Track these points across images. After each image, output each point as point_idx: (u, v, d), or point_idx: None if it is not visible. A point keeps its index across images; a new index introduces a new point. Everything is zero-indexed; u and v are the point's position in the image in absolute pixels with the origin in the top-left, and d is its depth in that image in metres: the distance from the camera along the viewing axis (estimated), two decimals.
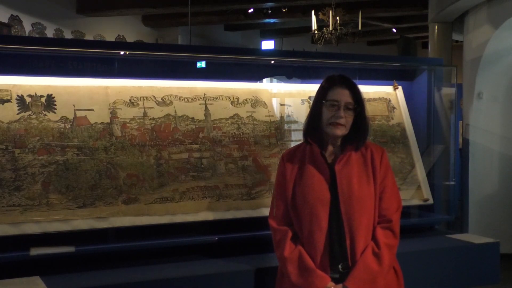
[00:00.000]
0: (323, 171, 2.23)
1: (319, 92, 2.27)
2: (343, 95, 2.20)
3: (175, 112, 2.80)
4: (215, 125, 2.87)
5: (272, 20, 10.91)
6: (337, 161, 2.23)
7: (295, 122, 3.07)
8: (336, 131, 2.20)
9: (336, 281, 2.15)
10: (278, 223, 2.30)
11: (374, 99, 3.36)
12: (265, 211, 2.44)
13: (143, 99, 2.76)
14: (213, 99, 2.91)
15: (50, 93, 2.57)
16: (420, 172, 3.33)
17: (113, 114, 2.66)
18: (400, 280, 2.29)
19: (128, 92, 2.74)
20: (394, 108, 3.40)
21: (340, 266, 2.17)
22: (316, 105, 2.27)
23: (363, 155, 2.26)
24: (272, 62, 3.19)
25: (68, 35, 9.19)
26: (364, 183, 2.22)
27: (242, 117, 2.94)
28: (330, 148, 2.27)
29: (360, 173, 2.23)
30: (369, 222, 2.20)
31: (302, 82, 3.26)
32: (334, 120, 2.18)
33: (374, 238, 2.20)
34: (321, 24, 8.73)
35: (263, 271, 2.49)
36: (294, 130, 3.06)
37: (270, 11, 10.06)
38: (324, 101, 2.22)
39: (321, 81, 2.32)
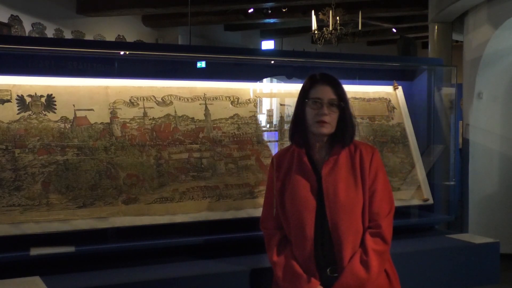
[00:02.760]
0: (309, 177, 2.18)
1: (301, 92, 2.23)
2: (326, 92, 2.15)
3: (175, 112, 2.80)
4: (215, 125, 2.87)
5: (272, 20, 10.92)
6: (324, 165, 2.17)
7: None
8: (322, 129, 2.14)
9: (323, 285, 2.12)
10: (267, 227, 2.30)
11: (374, 99, 3.36)
12: None
13: (143, 99, 2.76)
14: (213, 99, 2.91)
15: (50, 93, 2.57)
16: (420, 172, 3.32)
17: (113, 114, 2.66)
18: (393, 283, 2.23)
19: (128, 92, 2.74)
20: (394, 108, 3.40)
21: (328, 271, 2.14)
22: (299, 106, 2.22)
23: (352, 157, 2.19)
24: (272, 62, 3.19)
25: (68, 35, 9.19)
26: (352, 188, 2.15)
27: (242, 117, 2.94)
28: (317, 149, 2.21)
29: (348, 177, 2.16)
30: (357, 228, 2.14)
31: (302, 82, 3.25)
32: (319, 118, 2.13)
33: (362, 245, 2.14)
34: (321, 24, 8.73)
35: (263, 271, 2.49)
36: None
37: (270, 11, 10.07)
38: (306, 100, 2.18)
39: None
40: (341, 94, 2.17)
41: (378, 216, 2.17)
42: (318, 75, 2.22)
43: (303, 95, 2.21)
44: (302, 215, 2.15)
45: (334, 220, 2.12)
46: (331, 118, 2.15)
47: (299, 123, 2.21)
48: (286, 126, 3.06)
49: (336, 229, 2.12)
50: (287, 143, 2.99)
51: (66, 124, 2.55)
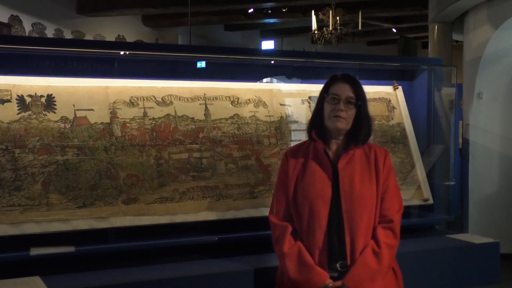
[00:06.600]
0: (325, 168, 2.24)
1: (322, 89, 2.32)
2: (344, 90, 2.23)
3: (175, 112, 2.80)
4: (215, 125, 2.87)
5: (272, 20, 10.92)
6: (340, 159, 2.24)
7: (295, 122, 3.07)
8: (337, 124, 2.21)
9: (334, 279, 2.16)
10: (278, 219, 2.30)
11: (374, 99, 3.36)
12: (265, 211, 2.44)
13: (143, 99, 2.76)
14: (213, 99, 2.91)
15: (50, 93, 2.57)
16: (420, 172, 3.33)
17: (113, 114, 2.66)
18: (399, 281, 2.29)
19: (128, 92, 2.74)
20: (394, 108, 3.40)
21: (338, 265, 2.18)
22: (318, 101, 2.31)
23: (367, 155, 2.28)
24: (272, 62, 3.19)
25: (68, 35, 9.19)
26: (366, 182, 2.23)
27: (242, 117, 2.94)
28: (333, 145, 2.29)
29: (363, 172, 2.24)
30: (369, 221, 2.21)
31: (302, 82, 3.26)
32: (335, 113, 2.21)
33: (374, 237, 2.20)
34: (321, 24, 8.73)
35: (263, 271, 2.49)
36: (294, 130, 3.05)
37: (270, 11, 10.07)
38: (325, 95, 2.27)
39: (321, 81, 2.35)
40: (359, 93, 2.25)
41: (389, 212, 2.25)
42: (340, 75, 2.31)
43: (323, 92, 2.30)
44: (317, 205, 2.20)
45: (349, 210, 2.18)
46: (347, 115, 2.22)
47: (317, 118, 2.29)
48: (286, 126, 3.06)
49: (350, 220, 2.18)
50: (288, 143, 3.00)
51: (66, 124, 2.55)
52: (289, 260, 2.20)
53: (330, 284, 2.13)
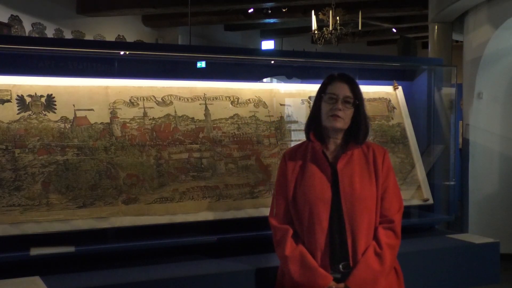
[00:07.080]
0: (324, 169, 2.24)
1: (319, 88, 2.31)
2: (342, 89, 2.23)
3: (175, 112, 2.80)
4: (215, 125, 2.87)
5: (272, 20, 10.93)
6: (339, 159, 2.24)
7: (295, 122, 3.07)
8: (335, 123, 2.21)
9: (337, 281, 2.15)
10: (278, 222, 2.30)
11: (374, 99, 3.36)
12: (265, 211, 2.44)
13: (143, 99, 2.76)
14: (213, 99, 2.91)
15: (50, 93, 2.57)
16: (420, 172, 3.33)
17: (113, 114, 2.66)
18: (400, 281, 2.30)
19: (128, 92, 2.74)
20: (394, 108, 3.40)
21: (340, 266, 2.17)
22: (316, 101, 2.31)
23: (365, 155, 2.28)
24: (272, 62, 3.19)
25: (68, 35, 9.19)
26: (366, 182, 2.22)
27: (242, 117, 2.94)
28: (331, 145, 2.28)
29: (362, 172, 2.24)
30: (370, 221, 2.20)
31: (302, 82, 3.26)
32: (333, 112, 2.21)
33: (376, 238, 2.20)
34: (321, 24, 8.74)
35: (263, 271, 2.49)
36: (294, 130, 3.05)
37: (270, 11, 10.07)
38: (323, 95, 2.26)
39: (321, 81, 2.34)
40: (356, 92, 2.25)
41: (389, 212, 2.25)
42: (337, 74, 2.31)
43: (320, 91, 2.30)
44: (317, 207, 2.19)
45: (350, 211, 2.18)
46: (345, 114, 2.22)
47: (315, 118, 2.29)
48: (286, 126, 3.06)
49: (352, 220, 2.17)
50: (288, 143, 3.00)
51: (66, 124, 2.55)
52: (292, 263, 2.19)
53: (334, 286, 2.13)
